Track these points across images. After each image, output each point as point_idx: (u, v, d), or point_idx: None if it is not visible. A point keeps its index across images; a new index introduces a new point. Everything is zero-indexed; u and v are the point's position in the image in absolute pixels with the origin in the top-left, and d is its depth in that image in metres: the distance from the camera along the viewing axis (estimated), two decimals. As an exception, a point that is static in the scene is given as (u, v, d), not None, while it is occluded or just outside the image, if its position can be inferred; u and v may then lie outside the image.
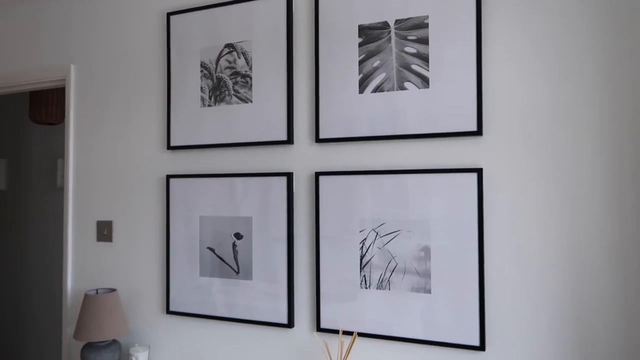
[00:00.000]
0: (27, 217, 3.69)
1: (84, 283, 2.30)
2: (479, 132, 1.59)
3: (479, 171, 1.59)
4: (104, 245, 2.26)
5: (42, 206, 3.63)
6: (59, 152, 3.59)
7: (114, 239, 2.24)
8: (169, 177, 2.09)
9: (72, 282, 2.33)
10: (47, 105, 3.22)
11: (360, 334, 1.73)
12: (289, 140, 1.87)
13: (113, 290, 2.13)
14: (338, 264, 1.77)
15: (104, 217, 2.27)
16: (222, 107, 2.00)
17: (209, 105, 2.02)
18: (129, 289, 2.19)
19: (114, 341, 2.05)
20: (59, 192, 3.57)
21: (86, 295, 2.03)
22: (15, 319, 3.67)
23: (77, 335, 1.99)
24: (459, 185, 1.62)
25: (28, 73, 2.52)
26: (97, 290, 2.13)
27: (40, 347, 3.54)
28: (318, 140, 1.82)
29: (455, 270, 1.61)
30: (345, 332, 1.75)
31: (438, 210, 1.64)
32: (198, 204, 2.03)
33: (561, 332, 1.50)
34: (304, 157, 1.87)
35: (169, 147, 2.10)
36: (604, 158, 1.47)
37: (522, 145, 1.56)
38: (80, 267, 2.31)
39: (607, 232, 1.46)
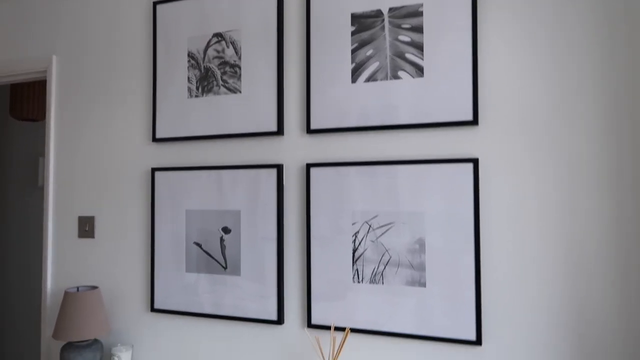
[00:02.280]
0: (6, 217, 3.57)
1: (65, 281, 2.21)
2: (474, 121, 1.56)
3: (475, 161, 1.55)
4: (85, 241, 2.18)
5: (23, 206, 3.51)
6: (41, 150, 3.49)
7: (96, 235, 2.15)
8: (154, 170, 2.02)
9: (52, 280, 2.23)
10: (28, 101, 3.12)
11: (353, 330, 1.68)
12: (279, 131, 1.82)
13: (95, 287, 2.05)
14: (330, 258, 1.72)
15: (86, 213, 2.18)
16: (210, 97, 1.94)
17: (197, 96, 1.96)
18: (112, 286, 2.10)
19: (95, 341, 1.97)
20: (40, 191, 3.46)
21: (66, 293, 1.94)
22: (-8, 322, 3.54)
23: (56, 334, 1.90)
24: (454, 176, 1.58)
25: (7, 65, 2.43)
26: (77, 287, 2.05)
27: (20, 348, 3.41)
28: (309, 131, 1.77)
29: (451, 262, 1.57)
30: (337, 328, 1.70)
31: (433, 202, 1.60)
32: (184, 197, 1.96)
33: (559, 326, 1.47)
34: (294, 149, 1.82)
35: (155, 139, 2.03)
36: (602, 147, 1.44)
37: (519, 135, 1.53)
38: (60, 264, 2.22)
39: (606, 223, 1.43)
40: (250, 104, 1.87)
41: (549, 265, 1.48)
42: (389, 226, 1.65)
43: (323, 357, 1.61)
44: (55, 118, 2.29)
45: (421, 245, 1.61)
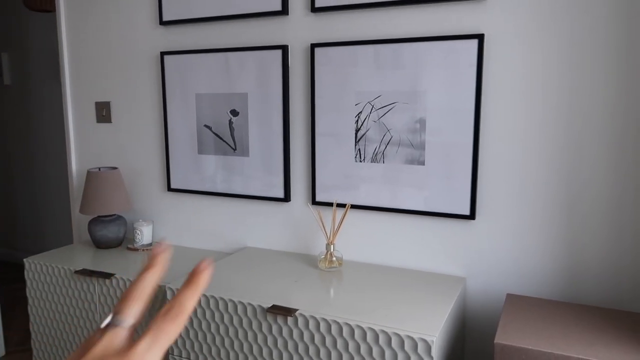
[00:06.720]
0: (32, 111, 3.70)
1: (87, 164, 2.35)
2: (483, -6, 1.49)
3: (480, 37, 1.51)
4: (103, 126, 2.27)
5: (47, 99, 3.62)
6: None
7: (113, 120, 2.24)
8: (163, 54, 2.04)
9: (76, 163, 2.37)
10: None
11: (354, 206, 1.77)
12: (284, 10, 1.78)
13: (115, 168, 2.17)
14: (333, 138, 1.76)
15: (102, 98, 2.25)
16: (214, -24, 1.88)
17: (201, -25, 1.91)
18: (131, 168, 2.23)
19: (119, 216, 2.13)
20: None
21: (89, 172, 2.07)
22: (31, 200, 3.83)
23: (82, 209, 2.06)
24: (458, 53, 1.55)
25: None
26: (99, 168, 2.18)
27: (55, 224, 3.73)
28: (314, 9, 1.73)
29: (450, 141, 1.59)
30: (340, 205, 1.79)
31: (435, 81, 1.59)
32: (193, 81, 1.99)
33: (552, 205, 1.51)
34: (299, 29, 1.79)
35: (162, 23, 2.02)
36: (618, 21, 1.37)
37: (528, 11, 1.47)
38: (82, 148, 2.35)
39: (608, 109, 1.41)
40: (254, -18, 1.81)
41: (548, 145, 1.49)
42: (392, 106, 1.66)
43: (325, 230, 1.72)
44: (64, 7, 2.28)
45: (422, 124, 1.62)
